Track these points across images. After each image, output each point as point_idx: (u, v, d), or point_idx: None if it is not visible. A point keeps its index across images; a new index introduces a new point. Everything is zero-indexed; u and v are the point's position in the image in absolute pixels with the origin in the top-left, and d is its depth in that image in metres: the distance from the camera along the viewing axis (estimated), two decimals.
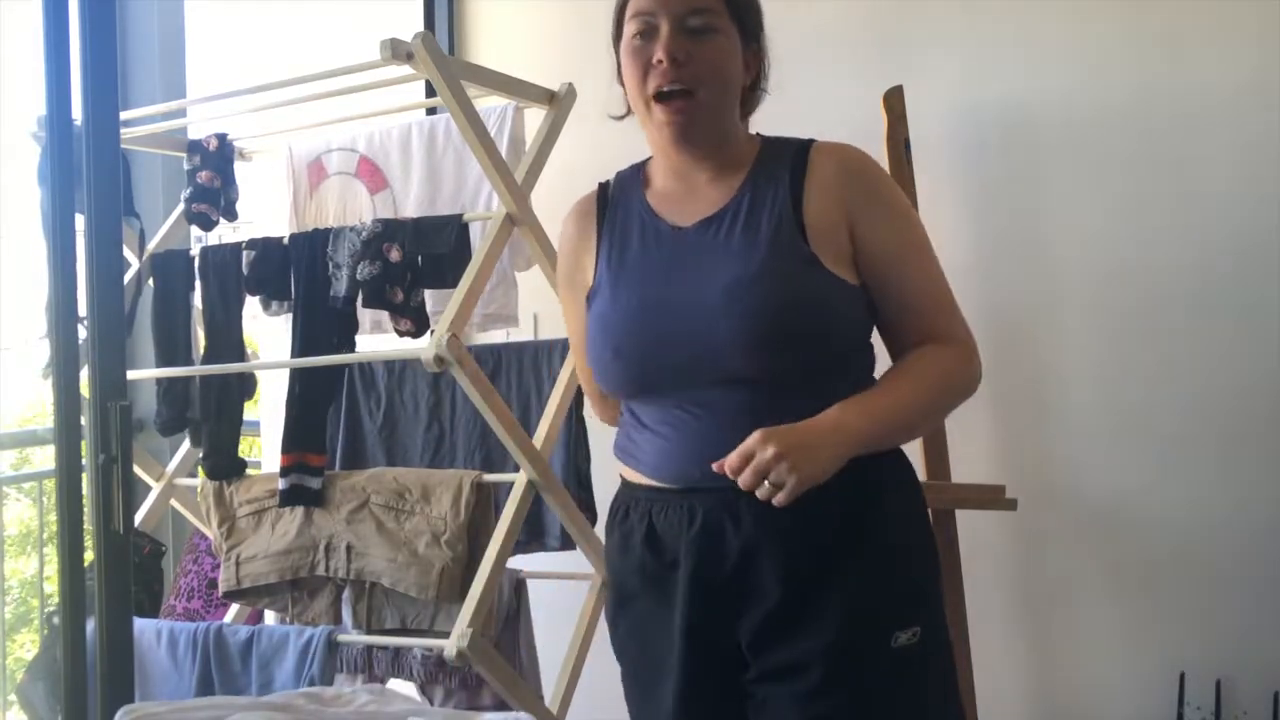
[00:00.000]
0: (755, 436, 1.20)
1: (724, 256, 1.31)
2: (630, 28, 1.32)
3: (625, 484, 1.42)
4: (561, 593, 2.32)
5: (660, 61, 1.29)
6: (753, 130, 1.45)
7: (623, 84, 1.40)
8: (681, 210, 1.37)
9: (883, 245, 1.33)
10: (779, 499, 1.19)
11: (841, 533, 1.30)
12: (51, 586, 2.83)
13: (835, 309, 1.31)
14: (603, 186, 1.48)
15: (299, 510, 2.14)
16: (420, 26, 2.72)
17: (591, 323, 1.40)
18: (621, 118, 1.45)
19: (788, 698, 1.30)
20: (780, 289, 1.28)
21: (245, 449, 2.37)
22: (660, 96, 1.31)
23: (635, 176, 1.45)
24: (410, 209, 2.33)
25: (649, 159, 1.46)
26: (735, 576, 1.31)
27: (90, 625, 1.74)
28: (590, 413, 2.19)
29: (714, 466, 1.22)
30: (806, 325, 1.29)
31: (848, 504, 1.29)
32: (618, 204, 1.43)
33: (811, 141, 1.38)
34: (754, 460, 1.19)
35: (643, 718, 1.42)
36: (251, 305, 2.25)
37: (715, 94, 1.32)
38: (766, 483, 1.19)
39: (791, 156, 1.36)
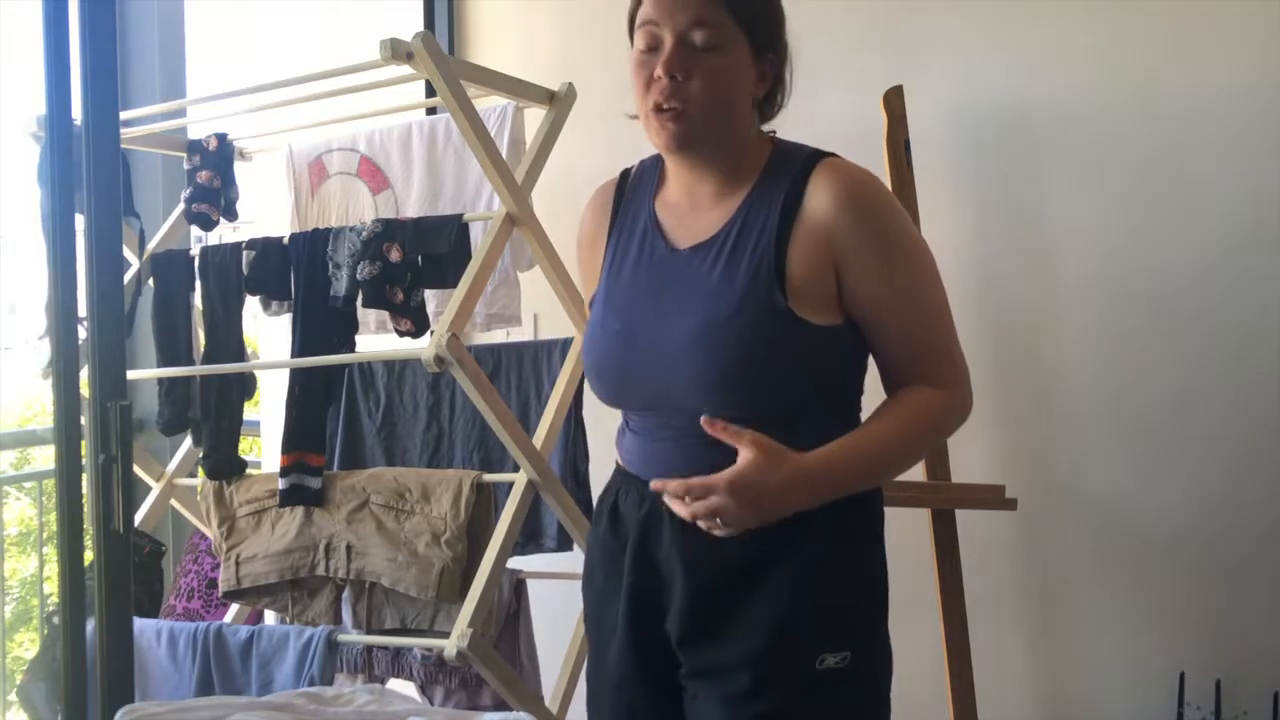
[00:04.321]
0: (723, 489, 1.19)
1: (698, 297, 1.29)
2: (638, 38, 1.30)
3: (615, 467, 1.47)
4: (561, 593, 2.32)
5: (658, 77, 1.27)
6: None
7: None
8: (682, 227, 1.36)
9: (870, 290, 1.28)
10: (713, 530, 1.23)
11: (775, 542, 1.28)
12: (51, 586, 2.83)
13: (804, 357, 1.28)
14: (623, 175, 1.46)
15: (299, 510, 2.14)
16: (420, 26, 2.72)
17: (585, 334, 1.44)
18: (636, 116, 1.43)
19: (717, 699, 1.31)
20: (742, 340, 1.26)
21: (245, 449, 2.37)
22: (658, 109, 1.29)
23: (654, 171, 1.43)
24: (411, 209, 2.33)
25: None
26: (666, 564, 1.34)
27: (90, 625, 1.74)
28: (590, 411, 2.20)
29: (653, 485, 1.24)
30: (770, 375, 1.27)
31: (778, 526, 1.25)
32: (630, 203, 1.43)
33: (818, 160, 1.32)
34: (708, 501, 1.20)
35: (590, 683, 1.47)
36: (251, 305, 2.25)
37: (711, 112, 1.28)
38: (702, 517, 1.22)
39: (792, 177, 1.30)
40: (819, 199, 1.28)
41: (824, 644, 1.28)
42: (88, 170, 1.70)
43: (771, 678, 1.28)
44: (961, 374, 1.35)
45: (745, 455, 1.20)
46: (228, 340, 2.23)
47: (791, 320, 1.26)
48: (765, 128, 1.40)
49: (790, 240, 1.27)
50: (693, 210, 1.36)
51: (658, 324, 1.31)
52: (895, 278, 1.29)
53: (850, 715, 1.32)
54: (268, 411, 2.93)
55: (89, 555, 1.74)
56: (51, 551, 2.80)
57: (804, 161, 1.31)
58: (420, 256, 2.03)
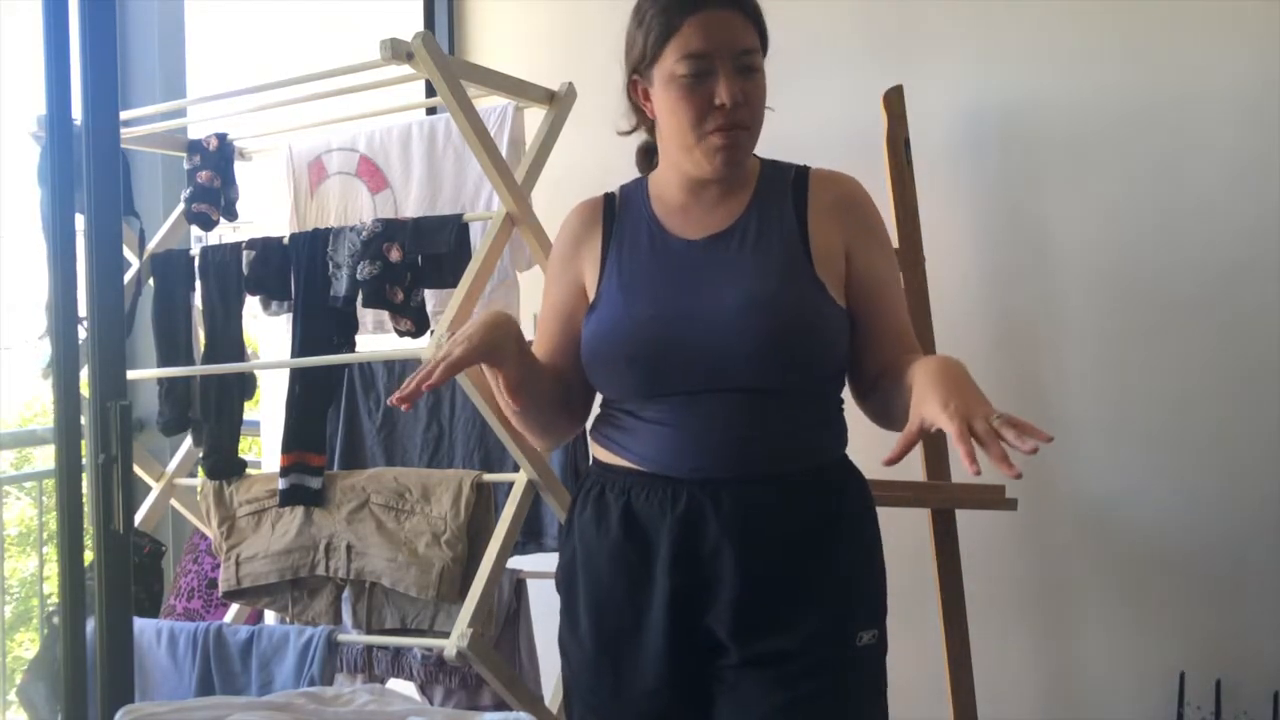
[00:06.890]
0: (954, 416, 1.16)
1: (738, 273, 1.35)
2: (680, 67, 1.33)
3: (601, 465, 1.44)
4: None
5: (724, 105, 1.31)
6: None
7: (634, 101, 1.43)
8: (688, 224, 1.41)
9: (875, 274, 1.40)
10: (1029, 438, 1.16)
11: (817, 530, 1.35)
12: (51, 586, 2.83)
13: (834, 330, 1.36)
14: (609, 197, 1.50)
15: (299, 510, 2.14)
16: (420, 26, 2.72)
17: (600, 329, 1.40)
18: (628, 133, 1.47)
19: (762, 682, 1.33)
20: (793, 309, 1.33)
21: (245, 449, 2.37)
22: (722, 132, 1.33)
23: (639, 190, 1.48)
24: (410, 209, 2.33)
25: (648, 174, 1.49)
26: (711, 559, 1.33)
27: (90, 625, 1.74)
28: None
29: (964, 463, 1.13)
30: (812, 345, 1.35)
31: (824, 503, 1.37)
32: (624, 217, 1.46)
33: (807, 168, 1.44)
34: (981, 432, 1.15)
35: (589, 692, 1.43)
36: (251, 305, 2.25)
37: (757, 130, 1.38)
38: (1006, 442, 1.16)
39: (792, 182, 1.42)
40: (823, 195, 1.41)
41: (862, 623, 1.37)
42: (88, 170, 1.70)
43: (825, 659, 1.33)
44: None
45: (932, 406, 1.20)
46: (228, 340, 2.23)
47: (823, 291, 1.35)
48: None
49: (808, 225, 1.38)
50: (697, 208, 1.42)
51: (700, 302, 1.35)
52: (889, 264, 1.44)
53: (875, 695, 1.39)
54: (268, 411, 2.93)
55: (89, 555, 1.74)
56: (51, 551, 2.80)
57: (797, 170, 1.44)
58: (420, 256, 2.03)
